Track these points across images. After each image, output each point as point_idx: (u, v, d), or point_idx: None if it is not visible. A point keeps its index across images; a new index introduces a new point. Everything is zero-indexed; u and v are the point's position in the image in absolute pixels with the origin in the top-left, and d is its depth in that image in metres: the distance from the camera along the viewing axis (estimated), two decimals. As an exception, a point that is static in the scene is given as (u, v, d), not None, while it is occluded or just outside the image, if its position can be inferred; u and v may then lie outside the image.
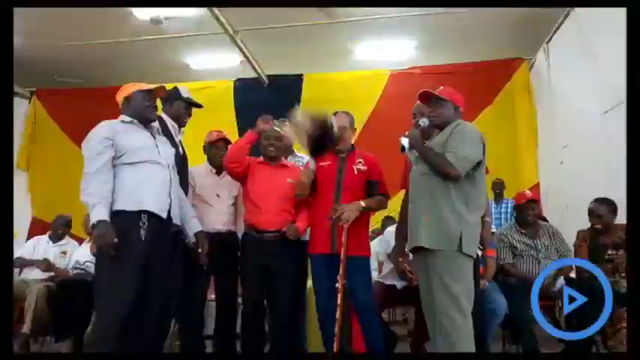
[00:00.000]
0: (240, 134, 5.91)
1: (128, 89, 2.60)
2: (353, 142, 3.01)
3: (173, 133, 2.87)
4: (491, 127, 5.18)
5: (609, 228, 3.32)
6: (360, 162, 2.87)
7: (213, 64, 6.65)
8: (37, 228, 6.09)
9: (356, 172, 2.84)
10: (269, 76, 6.44)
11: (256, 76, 6.34)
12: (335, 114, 2.87)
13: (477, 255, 2.47)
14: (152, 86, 2.61)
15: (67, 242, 4.32)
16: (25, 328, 3.67)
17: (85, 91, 6.88)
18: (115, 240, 2.24)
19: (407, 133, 2.45)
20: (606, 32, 4.20)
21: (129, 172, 2.41)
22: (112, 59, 6.47)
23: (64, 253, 4.21)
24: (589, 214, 3.36)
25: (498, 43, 5.94)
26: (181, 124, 2.95)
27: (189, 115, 2.97)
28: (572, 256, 3.36)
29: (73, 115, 6.56)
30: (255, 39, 5.75)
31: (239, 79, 6.45)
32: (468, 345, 2.12)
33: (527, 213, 3.47)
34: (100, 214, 2.27)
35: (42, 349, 3.86)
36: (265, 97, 6.28)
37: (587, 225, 3.48)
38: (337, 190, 2.80)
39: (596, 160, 4.31)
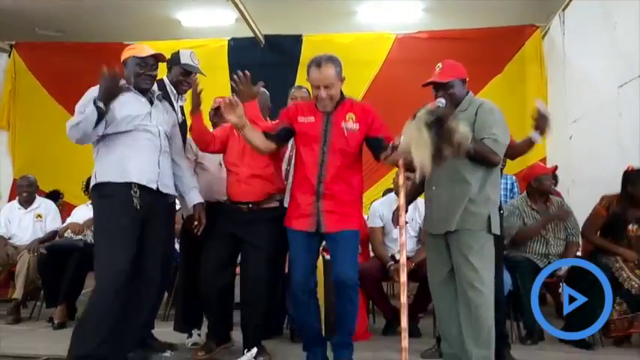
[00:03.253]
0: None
1: (125, 53, 2.63)
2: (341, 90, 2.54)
3: (173, 99, 2.88)
4: (500, 97, 5.20)
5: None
6: (350, 118, 2.50)
7: (206, 22, 6.56)
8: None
9: (346, 134, 2.48)
10: (266, 36, 6.37)
11: (252, 35, 6.26)
12: (318, 65, 2.44)
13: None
14: (146, 53, 2.59)
15: (39, 205, 4.28)
16: (16, 294, 3.77)
17: (67, 45, 6.79)
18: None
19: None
20: (626, 0, 4.21)
21: (115, 141, 2.48)
22: (96, 12, 6.36)
23: (40, 216, 4.21)
24: (629, 181, 3.24)
25: (510, 9, 5.91)
26: (179, 90, 2.94)
27: (189, 82, 2.91)
28: (579, 235, 3.46)
29: (54, 70, 6.54)
30: (252, -5, 5.66)
31: (234, 39, 6.37)
32: (491, 317, 2.29)
33: (546, 184, 3.50)
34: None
35: (32, 315, 3.94)
36: (262, 58, 6.25)
37: (593, 202, 3.47)
38: (322, 155, 2.47)
39: (607, 136, 4.37)
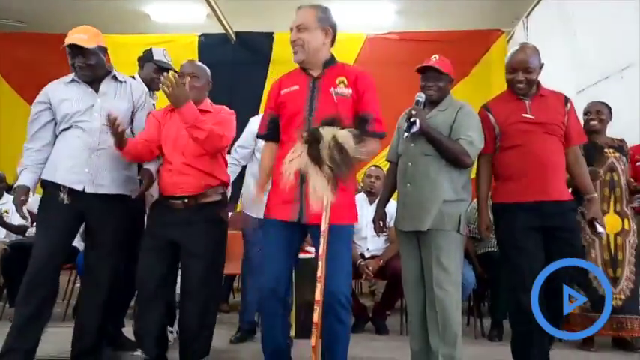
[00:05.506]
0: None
1: (66, 39, 2.40)
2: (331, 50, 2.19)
3: None
4: (467, 99, 5.36)
5: (603, 130, 3.25)
6: (341, 82, 2.12)
7: (176, 17, 6.49)
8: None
9: (336, 99, 2.08)
10: (237, 33, 6.35)
11: (223, 32, 6.23)
12: (299, 9, 2.18)
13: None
14: (66, 42, 2.37)
15: (7, 201, 4.20)
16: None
17: (29, 36, 6.58)
18: (23, 199, 2.41)
19: (414, 112, 2.31)
20: (586, 9, 4.41)
21: (58, 139, 2.45)
22: (60, 3, 6.20)
23: (7, 212, 4.16)
24: (584, 114, 3.21)
25: (478, 14, 6.09)
26: (152, 87, 2.94)
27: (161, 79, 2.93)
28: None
29: (16, 61, 6.35)
30: (224, -8, 5.64)
31: (204, 35, 6.31)
32: (458, 315, 2.34)
33: None
34: (22, 179, 2.43)
35: (-6, 315, 3.84)
36: (232, 55, 6.24)
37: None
38: (308, 127, 2.00)
39: (566, 139, 4.58)
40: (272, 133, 2.22)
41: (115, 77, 2.53)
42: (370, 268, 3.50)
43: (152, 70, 2.91)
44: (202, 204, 2.40)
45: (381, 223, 2.59)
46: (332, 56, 2.19)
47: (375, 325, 3.63)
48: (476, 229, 3.60)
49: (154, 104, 2.95)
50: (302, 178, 1.98)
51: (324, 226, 1.88)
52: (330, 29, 2.16)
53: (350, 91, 2.10)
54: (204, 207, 2.40)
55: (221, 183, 2.49)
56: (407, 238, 2.46)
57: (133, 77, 2.88)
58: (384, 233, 2.73)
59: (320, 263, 1.87)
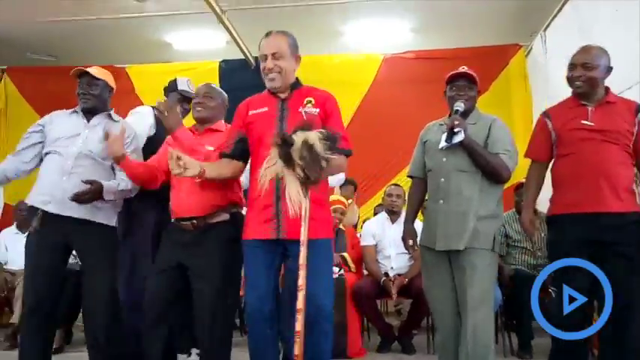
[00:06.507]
0: (226, 119, 6.05)
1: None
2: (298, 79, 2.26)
3: None
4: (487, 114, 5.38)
5: None
6: (309, 102, 2.16)
7: (197, 44, 6.66)
8: (8, 215, 6.09)
9: (305, 117, 2.11)
10: (257, 58, 6.46)
11: (243, 57, 6.38)
12: (267, 34, 2.30)
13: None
14: (81, 69, 2.57)
15: None
16: (14, 319, 3.75)
17: (58, 69, 6.83)
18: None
19: (457, 122, 2.27)
20: (604, 21, 4.38)
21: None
22: (87, 36, 6.44)
23: None
24: None
25: (495, 29, 6.08)
26: None
27: (185, 109, 3.00)
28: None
29: (46, 94, 6.55)
30: (242, 19, 5.78)
31: (225, 61, 6.47)
32: (490, 337, 2.28)
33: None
34: None
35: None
36: (252, 80, 6.30)
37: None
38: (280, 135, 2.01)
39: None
40: (238, 152, 2.25)
41: (109, 115, 2.64)
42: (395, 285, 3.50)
43: (176, 99, 2.98)
44: (211, 224, 2.37)
45: (411, 241, 2.48)
46: (297, 79, 2.26)
47: (401, 344, 3.59)
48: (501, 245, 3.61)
49: None
50: (278, 196, 2.03)
51: (303, 237, 1.89)
52: (298, 55, 2.27)
53: (318, 110, 2.16)
54: (213, 227, 2.37)
55: (231, 202, 2.44)
56: (438, 258, 2.35)
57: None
58: (414, 250, 2.61)
59: (301, 273, 1.87)
